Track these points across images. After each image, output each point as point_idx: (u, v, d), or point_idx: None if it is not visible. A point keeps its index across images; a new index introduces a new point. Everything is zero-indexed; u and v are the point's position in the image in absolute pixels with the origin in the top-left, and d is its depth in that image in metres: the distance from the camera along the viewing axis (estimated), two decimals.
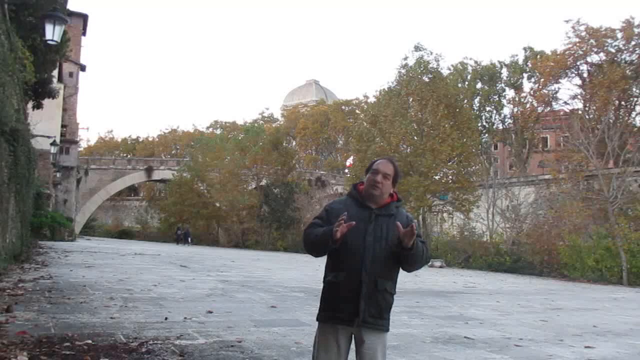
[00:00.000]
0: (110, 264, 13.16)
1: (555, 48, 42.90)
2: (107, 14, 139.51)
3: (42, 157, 23.01)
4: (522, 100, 41.97)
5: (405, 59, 30.00)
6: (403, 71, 29.81)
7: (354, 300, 2.45)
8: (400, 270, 2.63)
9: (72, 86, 39.40)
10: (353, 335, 2.52)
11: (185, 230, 42.41)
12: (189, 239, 41.10)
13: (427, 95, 27.91)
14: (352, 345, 2.57)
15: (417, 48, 29.55)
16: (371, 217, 2.54)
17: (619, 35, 32.07)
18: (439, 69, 29.89)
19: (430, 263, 24.39)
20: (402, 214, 2.62)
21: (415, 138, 28.23)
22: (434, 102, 27.36)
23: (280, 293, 8.72)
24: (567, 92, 39.06)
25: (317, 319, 2.59)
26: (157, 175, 53.43)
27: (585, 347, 5.56)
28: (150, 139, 79.16)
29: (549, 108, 39.06)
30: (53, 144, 25.22)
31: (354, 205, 2.60)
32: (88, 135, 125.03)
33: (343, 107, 64.38)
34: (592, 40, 32.78)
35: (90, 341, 4.17)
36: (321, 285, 2.64)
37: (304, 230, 2.61)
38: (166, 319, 5.51)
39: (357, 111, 59.50)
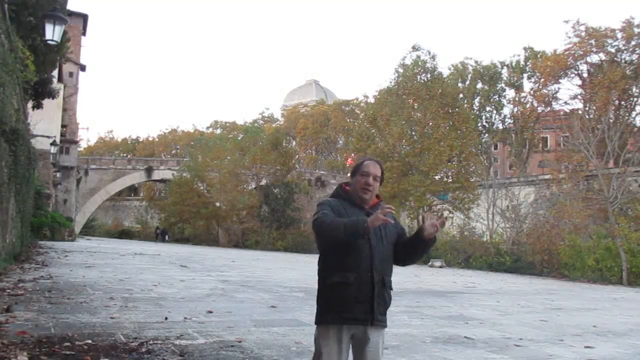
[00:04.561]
0: (110, 263, 13.14)
1: (555, 48, 43.04)
2: (107, 14, 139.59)
3: (42, 157, 22.98)
4: (522, 100, 42.01)
5: (404, 59, 30.35)
6: (401, 70, 30.02)
7: (368, 300, 2.46)
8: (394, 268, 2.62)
9: (72, 86, 39.43)
10: (352, 335, 2.50)
11: (162, 229, 49.59)
12: (166, 237, 47.92)
13: (422, 94, 27.99)
14: None
15: (415, 48, 29.90)
16: None
17: (619, 35, 32.06)
18: (436, 68, 30.08)
19: (430, 263, 24.41)
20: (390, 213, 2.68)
21: (415, 138, 28.27)
22: (429, 102, 27.43)
23: (280, 293, 8.71)
24: (567, 92, 39.07)
25: (319, 322, 2.53)
26: (157, 175, 53.44)
27: (585, 347, 5.56)
28: (150, 139, 79.20)
29: (549, 108, 39.06)
30: (53, 144, 25.23)
31: (348, 205, 2.59)
32: (88, 135, 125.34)
33: (343, 107, 64.35)
34: (592, 41, 32.78)
35: (90, 341, 4.17)
36: None
37: (315, 219, 2.47)
38: (166, 319, 5.50)
39: (357, 111, 59.50)
